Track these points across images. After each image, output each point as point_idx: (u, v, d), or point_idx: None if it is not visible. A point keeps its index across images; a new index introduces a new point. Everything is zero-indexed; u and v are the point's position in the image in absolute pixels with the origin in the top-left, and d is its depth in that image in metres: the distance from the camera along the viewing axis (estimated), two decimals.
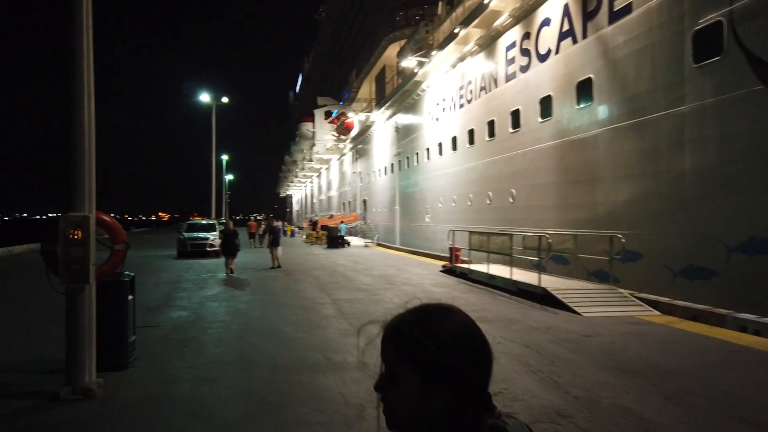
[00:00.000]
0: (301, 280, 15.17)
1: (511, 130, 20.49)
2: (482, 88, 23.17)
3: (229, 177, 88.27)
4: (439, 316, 1.13)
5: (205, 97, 33.87)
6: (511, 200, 20.34)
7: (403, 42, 36.80)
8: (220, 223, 54.91)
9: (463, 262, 17.58)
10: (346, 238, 34.06)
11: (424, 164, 31.44)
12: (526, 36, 19.42)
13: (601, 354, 6.95)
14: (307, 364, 6.37)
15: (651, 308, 10.46)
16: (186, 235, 24.32)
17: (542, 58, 18.37)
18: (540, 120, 18.32)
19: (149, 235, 55.64)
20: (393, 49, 39.13)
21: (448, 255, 23.18)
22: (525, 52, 19.55)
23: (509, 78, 20.77)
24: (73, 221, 5.26)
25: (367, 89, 50.70)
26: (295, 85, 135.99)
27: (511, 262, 12.29)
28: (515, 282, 12.18)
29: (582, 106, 15.75)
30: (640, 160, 13.14)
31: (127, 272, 6.27)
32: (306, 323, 8.73)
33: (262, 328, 8.33)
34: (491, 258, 16.66)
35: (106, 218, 6.01)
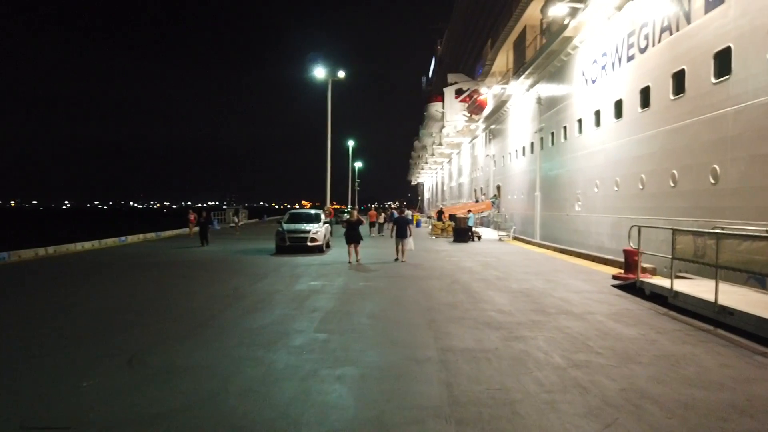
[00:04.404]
0: (404, 298, 10.54)
1: (713, 81, 14.14)
2: (664, 29, 16.80)
3: (358, 164, 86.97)
4: None
5: (320, 73, 30.62)
6: (712, 180, 14.06)
7: None
8: (345, 212, 52.57)
9: (645, 272, 11.87)
10: (475, 230, 28.96)
11: (573, 140, 25.31)
12: None
13: None
14: None
15: None
16: (285, 227, 20.75)
17: None
18: None
19: (277, 224, 54.72)
20: (535, 6, 32.91)
21: (608, 256, 17.45)
22: None
23: (711, 6, 14.34)
24: None
25: (503, 60, 44.63)
26: (428, 70, 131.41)
27: None
28: None
29: None
30: None
31: None
32: None
33: None
34: (700, 271, 10.85)
35: None
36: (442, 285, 12.16)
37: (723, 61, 13.80)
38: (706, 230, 9.12)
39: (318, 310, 9.25)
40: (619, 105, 20.16)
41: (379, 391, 5.19)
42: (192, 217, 34.19)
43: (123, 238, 27.81)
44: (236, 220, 38.28)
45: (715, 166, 13.97)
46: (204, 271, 15.24)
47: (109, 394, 5.21)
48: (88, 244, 23.75)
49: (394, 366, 5.99)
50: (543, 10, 29.75)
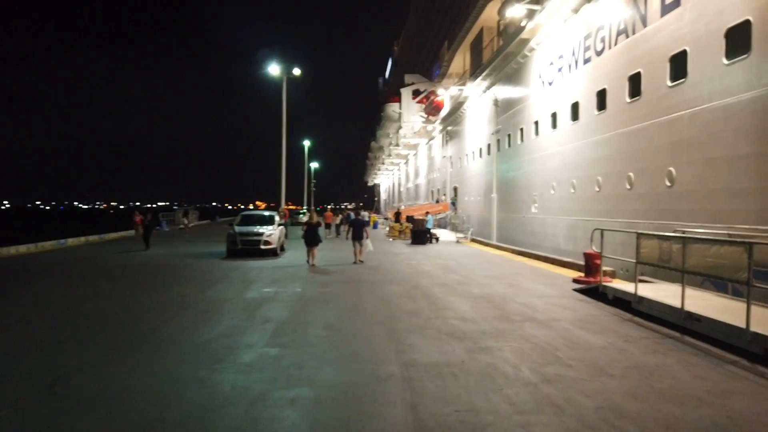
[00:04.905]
0: (363, 306, 10.02)
1: (669, 84, 14.24)
2: (620, 32, 16.89)
3: (314, 165, 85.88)
4: None
5: (274, 70, 29.74)
6: (668, 183, 14.15)
7: None
8: (300, 213, 51.55)
9: (605, 275, 11.75)
10: (433, 231, 28.74)
11: (530, 142, 25.40)
12: None
13: None
14: None
15: None
16: (237, 229, 19.85)
17: None
18: (726, 62, 12.03)
19: (228, 226, 53.21)
20: (492, 8, 33.01)
21: (567, 258, 17.43)
22: None
23: (667, 9, 14.44)
24: None
25: (460, 61, 44.74)
26: (385, 71, 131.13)
27: (749, 293, 6.32)
28: (757, 337, 6.23)
29: None
30: None
31: None
32: None
33: None
34: (656, 273, 10.78)
35: None
36: (402, 290, 11.71)
37: (679, 65, 13.89)
38: (672, 234, 9.00)
39: (270, 320, 8.61)
40: (575, 107, 20.23)
41: (336, 417, 4.65)
42: (138, 218, 32.73)
43: (63, 240, 26.26)
44: (185, 221, 36.86)
45: (671, 168, 14.05)
46: (147, 277, 14.30)
47: (21, 428, 4.48)
48: (23, 248, 22.20)
49: (354, 385, 5.47)
50: (500, 11, 29.82)
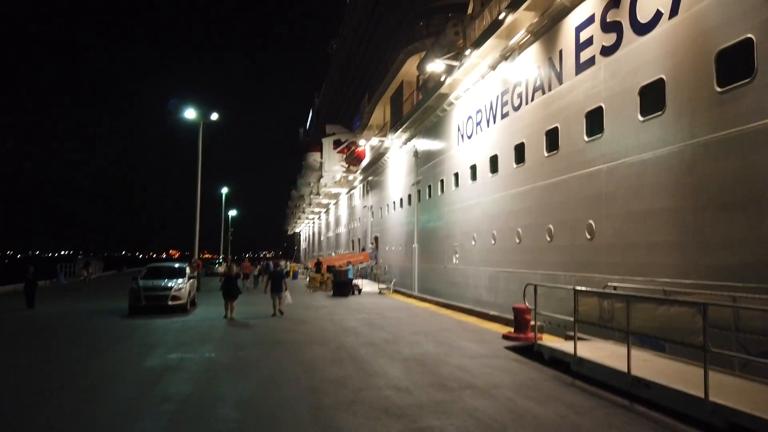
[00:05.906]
0: (282, 374, 8.87)
1: (586, 139, 14.58)
2: (537, 89, 17.38)
3: (232, 213, 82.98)
4: None
5: (191, 114, 28.38)
6: (588, 236, 14.26)
7: (423, 54, 31.43)
8: (217, 262, 48.85)
9: (539, 330, 11.35)
10: (356, 282, 27.88)
11: (450, 193, 25.53)
12: (613, 4, 13.68)
13: None
14: None
15: None
16: (141, 283, 17.92)
17: (643, 29, 12.58)
18: (641, 119, 12.42)
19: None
20: (411, 63, 33.77)
21: (492, 312, 17.13)
22: (611, 27, 13.77)
23: (582, 68, 14.96)
24: None
25: (380, 114, 45.30)
26: (306, 121, 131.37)
27: (705, 360, 5.89)
28: (718, 408, 5.73)
29: (735, 85, 9.82)
30: None
31: None
32: None
33: None
34: (585, 329, 10.51)
35: None
36: (326, 352, 10.66)
37: (595, 120, 14.25)
38: (614, 292, 8.73)
39: (170, 399, 7.29)
40: (494, 160, 20.48)
41: None
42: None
43: None
44: (85, 273, 33.74)
45: (591, 221, 14.19)
46: (24, 342, 12.26)
47: None
48: None
49: None
50: (419, 66, 30.46)
